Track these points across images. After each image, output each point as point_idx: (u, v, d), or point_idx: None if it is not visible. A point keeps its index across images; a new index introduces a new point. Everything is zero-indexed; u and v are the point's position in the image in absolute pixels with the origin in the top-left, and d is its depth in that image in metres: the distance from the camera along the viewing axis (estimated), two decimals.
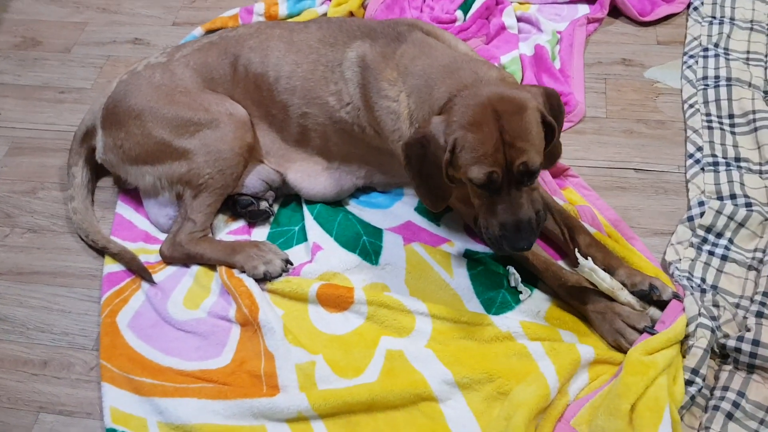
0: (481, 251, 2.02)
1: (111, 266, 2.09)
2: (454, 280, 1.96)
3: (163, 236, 2.15)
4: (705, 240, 1.98)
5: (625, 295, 1.80)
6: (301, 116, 2.09)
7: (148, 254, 2.12)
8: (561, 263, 1.97)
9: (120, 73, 2.28)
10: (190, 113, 2.05)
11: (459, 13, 2.62)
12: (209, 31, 2.66)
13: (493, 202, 1.68)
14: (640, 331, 1.76)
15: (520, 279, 1.93)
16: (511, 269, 1.95)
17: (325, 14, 2.72)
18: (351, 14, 2.68)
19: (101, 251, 2.13)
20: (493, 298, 1.92)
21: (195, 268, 2.06)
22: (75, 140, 2.25)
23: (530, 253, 1.92)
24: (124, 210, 2.24)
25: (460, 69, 1.81)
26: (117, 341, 1.92)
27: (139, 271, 2.06)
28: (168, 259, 2.09)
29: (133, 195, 2.25)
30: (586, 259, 1.79)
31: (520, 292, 1.91)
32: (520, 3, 2.72)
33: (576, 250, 1.87)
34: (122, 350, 1.90)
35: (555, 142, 1.75)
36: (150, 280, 2.04)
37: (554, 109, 1.72)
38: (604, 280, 1.78)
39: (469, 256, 2.01)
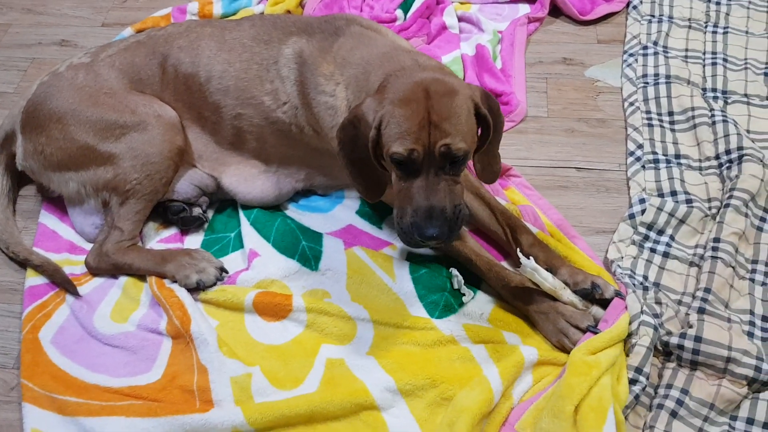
0: (423, 253, 1.97)
1: (33, 279, 1.98)
2: (397, 284, 1.90)
3: (89, 246, 2.04)
4: (647, 237, 1.97)
5: (567, 295, 1.77)
6: (235, 117, 2.00)
7: (73, 266, 2.01)
8: (504, 264, 1.93)
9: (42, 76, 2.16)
10: (116, 115, 1.95)
11: (399, 12, 2.58)
12: (139, 32, 2.55)
13: (410, 186, 1.61)
14: (584, 331, 1.73)
15: (463, 281, 1.88)
16: (454, 271, 1.90)
17: (261, 13, 2.64)
18: (288, 13, 2.61)
19: (23, 263, 2.01)
20: (437, 301, 1.86)
21: (123, 279, 1.97)
22: None
23: (473, 254, 1.88)
24: (48, 219, 2.12)
25: (399, 56, 1.77)
26: (39, 358, 1.81)
27: (63, 284, 1.95)
28: (94, 270, 1.98)
29: (58, 204, 2.13)
30: (529, 258, 1.75)
31: (463, 295, 1.87)
32: (461, 2, 2.69)
33: (518, 250, 1.83)
34: (45, 368, 1.79)
35: (493, 152, 1.72)
36: (75, 292, 1.93)
37: (493, 111, 1.68)
38: (546, 280, 1.75)
39: (411, 259, 1.96)
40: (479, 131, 1.69)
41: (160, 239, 2.05)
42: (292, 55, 1.93)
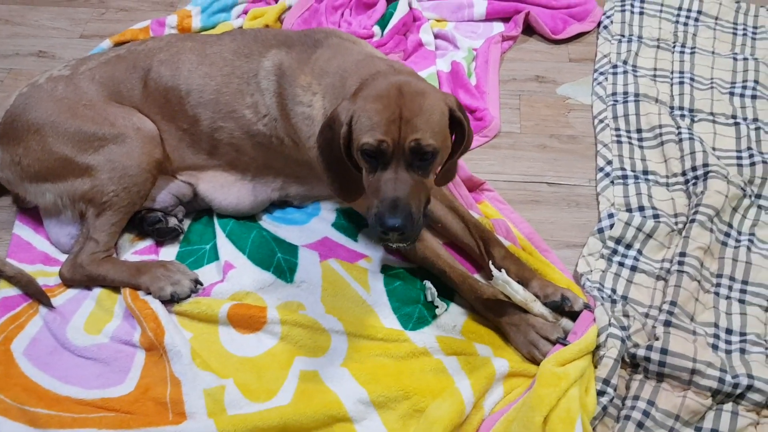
0: (398, 266, 2.00)
1: (6, 290, 1.97)
2: (371, 296, 1.92)
3: (63, 258, 2.03)
4: (615, 251, 2.02)
5: (538, 307, 1.81)
6: (214, 130, 2.02)
7: (47, 277, 2.01)
8: (477, 276, 1.96)
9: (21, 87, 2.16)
10: (95, 127, 1.96)
11: (376, 29, 2.63)
12: (118, 44, 2.57)
13: (379, 179, 1.63)
14: (553, 342, 1.76)
15: (436, 293, 1.91)
16: (428, 284, 1.93)
17: (240, 27, 2.67)
18: (267, 27, 2.64)
19: None
20: (410, 313, 1.89)
21: (97, 291, 1.96)
22: None
23: (447, 266, 1.91)
24: (22, 230, 2.12)
25: (375, 62, 1.81)
26: (11, 370, 1.80)
27: (36, 295, 1.94)
28: (68, 282, 1.98)
29: (33, 215, 2.13)
30: (500, 271, 1.79)
31: (437, 307, 1.89)
32: (437, 20, 2.74)
33: (490, 262, 1.86)
34: (17, 380, 1.78)
35: (455, 160, 1.76)
36: (48, 304, 1.92)
37: (467, 119, 1.72)
38: (518, 292, 1.79)
39: (386, 272, 1.98)
40: (453, 138, 1.72)
41: (135, 251, 2.06)
42: (272, 68, 1.96)
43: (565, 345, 1.73)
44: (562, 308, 1.81)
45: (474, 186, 2.18)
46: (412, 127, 1.59)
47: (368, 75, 1.73)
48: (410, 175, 1.62)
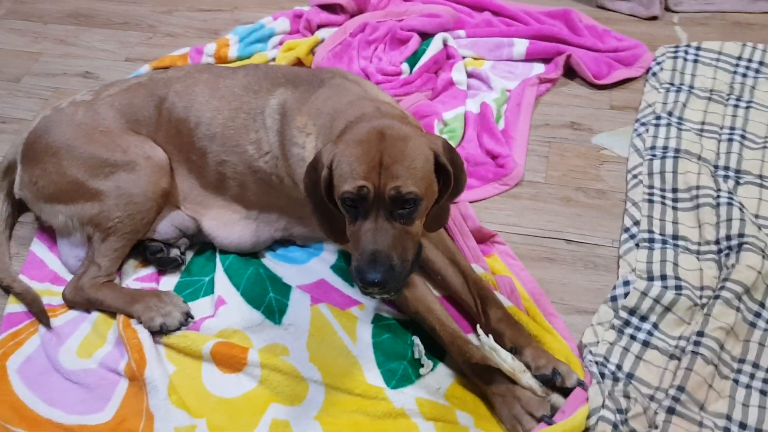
0: (391, 316, 1.92)
1: (13, 306, 2.03)
2: (357, 347, 1.85)
3: (70, 278, 2.07)
4: (628, 323, 1.85)
5: (527, 379, 1.68)
6: (219, 164, 2.02)
7: (52, 296, 2.05)
8: (471, 336, 1.85)
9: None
10: (107, 154, 2.00)
11: (405, 66, 2.55)
12: (157, 69, 2.62)
13: (359, 230, 1.57)
14: (538, 420, 1.63)
15: (424, 351, 1.81)
16: (416, 340, 1.84)
17: (274, 59, 2.67)
18: (299, 60, 2.63)
19: (6, 290, 2.06)
20: (395, 369, 1.80)
21: (95, 315, 1.99)
22: None
23: (438, 323, 1.81)
24: (38, 248, 2.18)
25: (362, 104, 1.76)
26: (2, 387, 1.85)
27: (37, 314, 1.99)
28: (70, 303, 2.02)
29: (50, 233, 2.19)
30: (488, 336, 1.68)
31: (422, 365, 1.79)
32: (475, 58, 2.64)
33: (479, 326, 1.75)
34: (6, 397, 1.83)
35: (445, 205, 1.68)
36: (46, 324, 1.96)
37: (456, 165, 1.64)
38: (505, 361, 1.67)
39: (377, 322, 1.90)
40: (440, 183, 1.64)
41: (137, 277, 2.07)
42: (277, 106, 1.95)
43: (550, 424, 1.60)
44: (554, 383, 1.67)
45: (484, 238, 2.06)
46: (392, 174, 1.53)
47: (354, 117, 1.69)
48: (391, 224, 1.55)
